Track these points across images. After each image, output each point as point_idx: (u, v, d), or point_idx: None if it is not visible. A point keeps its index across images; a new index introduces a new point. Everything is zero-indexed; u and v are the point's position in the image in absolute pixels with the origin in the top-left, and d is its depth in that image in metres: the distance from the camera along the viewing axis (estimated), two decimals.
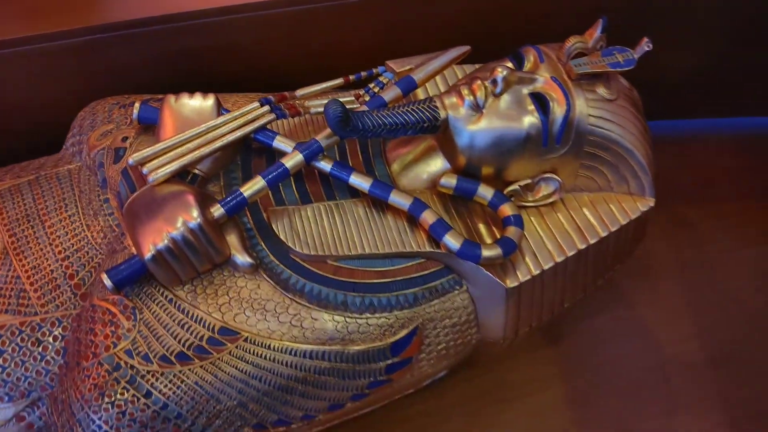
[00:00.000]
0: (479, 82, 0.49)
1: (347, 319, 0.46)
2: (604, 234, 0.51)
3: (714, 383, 0.67)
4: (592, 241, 0.50)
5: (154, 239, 0.42)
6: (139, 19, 0.64)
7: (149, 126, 0.53)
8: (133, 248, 0.44)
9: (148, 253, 0.42)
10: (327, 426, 0.52)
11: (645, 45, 0.49)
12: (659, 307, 0.71)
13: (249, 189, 0.46)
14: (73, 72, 0.64)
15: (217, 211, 0.45)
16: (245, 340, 0.44)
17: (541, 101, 0.49)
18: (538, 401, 0.65)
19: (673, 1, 0.72)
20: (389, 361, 0.48)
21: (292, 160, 0.48)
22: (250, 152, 0.52)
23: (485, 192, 0.50)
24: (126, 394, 0.42)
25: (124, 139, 0.52)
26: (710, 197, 0.82)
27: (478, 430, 0.63)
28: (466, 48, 0.56)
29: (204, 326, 0.44)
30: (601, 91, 0.50)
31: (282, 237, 0.47)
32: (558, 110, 0.48)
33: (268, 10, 0.67)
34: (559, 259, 0.49)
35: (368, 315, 0.47)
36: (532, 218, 0.51)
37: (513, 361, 0.67)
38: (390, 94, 0.52)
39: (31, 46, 0.62)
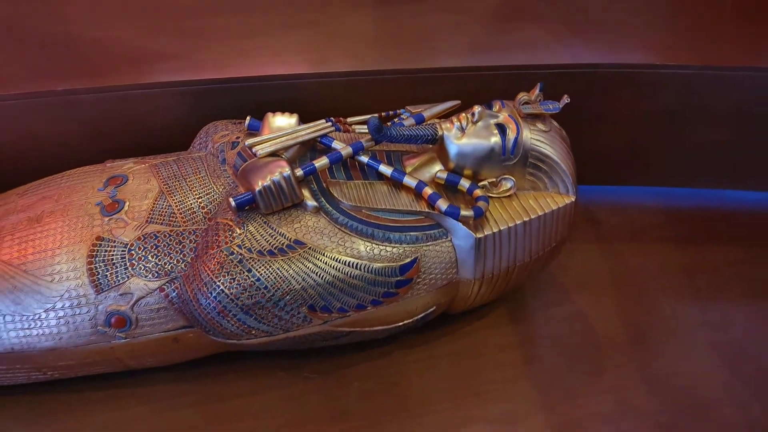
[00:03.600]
0: (464, 114, 0.79)
1: (373, 246, 0.73)
2: (541, 213, 0.78)
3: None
4: (533, 216, 0.78)
5: (262, 180, 0.71)
6: (232, 77, 0.97)
7: (253, 132, 0.83)
8: (243, 190, 0.72)
9: (257, 188, 0.70)
10: (353, 329, 0.76)
11: (565, 99, 0.80)
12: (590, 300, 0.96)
13: (318, 162, 0.75)
14: (192, 107, 0.96)
15: (298, 171, 0.74)
16: (309, 248, 0.71)
17: (501, 128, 0.79)
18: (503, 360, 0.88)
19: (606, 91, 1.05)
20: (398, 278, 0.73)
21: (344, 150, 0.77)
22: (316, 151, 0.81)
23: (465, 182, 0.79)
24: (236, 269, 0.68)
25: (238, 138, 0.83)
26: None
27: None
28: (457, 102, 0.88)
29: (284, 237, 0.71)
30: (539, 125, 0.80)
31: (335, 195, 0.75)
32: (511, 134, 0.78)
33: (325, 79, 1.00)
34: (511, 224, 0.76)
35: (386, 245, 0.73)
36: (495, 203, 0.79)
37: (482, 334, 0.90)
38: (408, 122, 0.83)
39: (171, 89, 0.95)
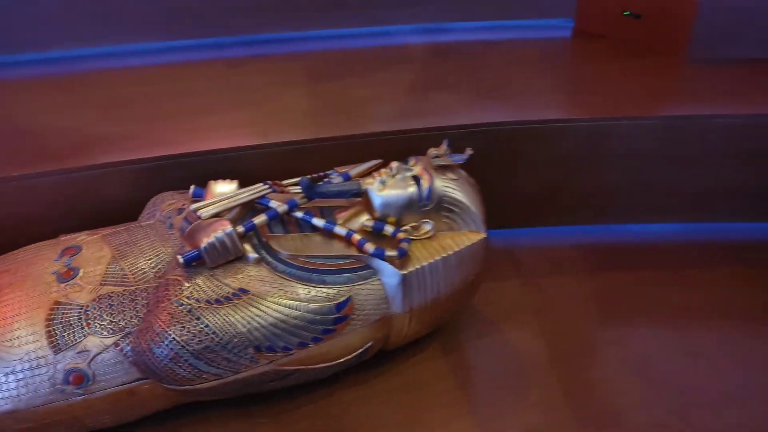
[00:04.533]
0: (384, 170, 0.92)
1: (310, 288, 0.82)
2: (457, 249, 0.89)
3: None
4: (450, 252, 0.89)
5: (207, 238, 0.80)
6: (179, 153, 1.08)
7: (198, 199, 0.92)
8: (190, 248, 0.81)
9: (203, 245, 0.79)
10: (298, 367, 0.83)
11: (468, 151, 0.94)
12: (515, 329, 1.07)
13: (257, 219, 0.85)
14: (143, 183, 1.05)
15: (240, 228, 0.83)
16: (253, 295, 0.79)
17: (416, 179, 0.91)
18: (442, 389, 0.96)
19: (510, 144, 1.20)
20: (335, 315, 0.82)
21: (281, 207, 0.87)
22: (256, 211, 0.91)
23: (389, 228, 0.90)
24: (186, 317, 0.75)
25: (183, 205, 0.92)
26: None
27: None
28: (379, 160, 1.01)
29: (230, 287, 0.79)
30: (449, 174, 0.93)
31: (274, 247, 0.85)
32: (425, 184, 0.91)
33: (265, 150, 1.12)
34: (431, 261, 0.87)
35: (322, 287, 0.82)
36: (417, 244, 0.90)
37: (419, 367, 0.99)
38: (336, 180, 0.94)
39: (122, 168, 1.04)
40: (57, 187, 1.02)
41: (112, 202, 1.02)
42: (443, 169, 0.93)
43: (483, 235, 0.93)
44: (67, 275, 0.81)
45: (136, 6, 1.44)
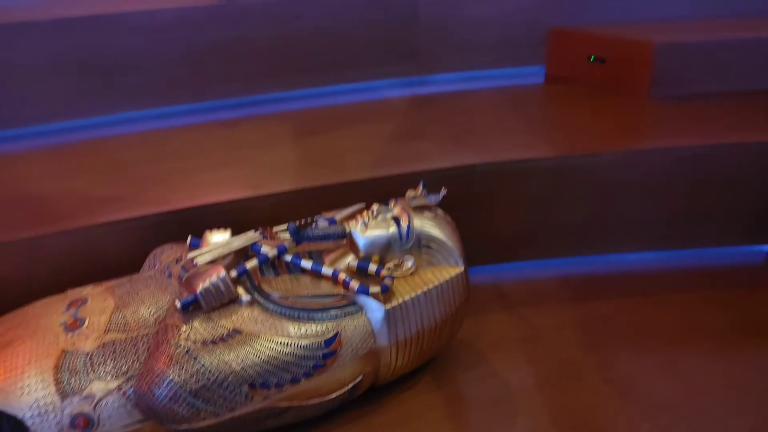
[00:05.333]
0: (365, 213, 0.99)
1: (300, 326, 0.87)
2: (437, 283, 0.95)
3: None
4: (431, 286, 0.95)
5: (203, 283, 0.86)
6: (176, 209, 1.15)
7: (194, 249, 0.99)
8: (187, 294, 0.87)
9: (199, 290, 0.85)
10: (291, 403, 0.87)
11: (443, 191, 1.01)
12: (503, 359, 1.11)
13: (249, 264, 0.91)
14: (143, 238, 1.12)
15: (233, 272, 0.89)
16: (246, 334, 0.85)
17: (396, 220, 0.98)
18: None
19: (484, 184, 1.28)
20: (324, 350, 0.87)
21: (271, 252, 0.94)
22: (248, 256, 0.98)
23: (373, 266, 0.96)
24: (184, 359, 0.81)
25: (181, 255, 0.98)
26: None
27: None
28: (362, 204, 1.08)
29: (224, 328, 0.85)
30: (427, 213, 1.00)
31: (266, 289, 0.91)
32: (404, 223, 0.98)
33: (257, 201, 1.19)
34: (413, 295, 0.93)
35: (311, 323, 0.88)
36: (401, 280, 0.96)
37: (412, 401, 1.02)
38: (322, 225, 1.02)
39: (123, 225, 1.11)
40: (60, 247, 1.08)
41: (115, 257, 1.09)
42: (421, 209, 1.01)
43: (461, 269, 0.99)
44: (74, 325, 0.87)
45: (131, 77, 1.56)
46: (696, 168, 1.31)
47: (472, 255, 1.07)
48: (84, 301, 0.91)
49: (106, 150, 1.41)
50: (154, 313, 0.89)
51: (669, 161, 1.30)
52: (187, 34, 1.58)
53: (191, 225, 1.13)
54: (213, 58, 1.62)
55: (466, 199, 1.27)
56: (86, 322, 0.87)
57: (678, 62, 1.56)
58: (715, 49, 1.56)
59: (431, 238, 0.99)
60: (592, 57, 1.75)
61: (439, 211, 1.03)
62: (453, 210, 1.14)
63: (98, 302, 0.91)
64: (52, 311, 0.90)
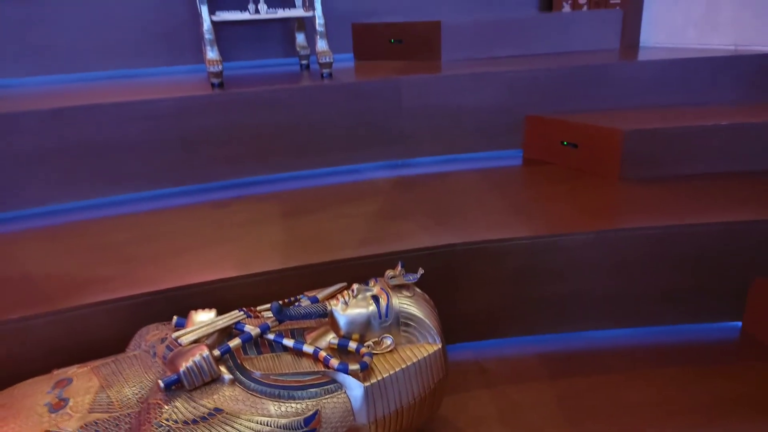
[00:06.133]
0: (346, 292, 1.03)
1: (280, 404, 0.89)
2: (415, 360, 0.98)
3: None
4: (409, 363, 0.98)
5: (185, 362, 0.88)
6: (162, 289, 1.19)
7: (180, 328, 1.02)
8: (171, 373, 0.89)
9: (181, 369, 0.88)
10: None
11: (420, 271, 1.06)
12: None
13: (232, 342, 0.94)
14: (130, 317, 1.15)
15: (216, 351, 0.92)
16: (227, 414, 0.86)
17: (375, 298, 1.02)
18: None
19: (464, 263, 1.33)
20: (303, 429, 0.89)
21: (254, 331, 0.97)
22: (232, 335, 1.01)
23: (353, 344, 0.99)
24: None
25: (166, 335, 1.01)
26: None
27: None
28: (344, 284, 1.12)
29: (205, 407, 0.86)
30: (405, 292, 1.05)
31: (247, 367, 0.93)
32: (383, 302, 1.02)
33: (243, 280, 1.23)
34: (392, 372, 0.96)
35: (291, 402, 0.90)
36: (380, 358, 0.99)
37: None
38: (305, 303, 1.05)
39: (111, 305, 1.14)
40: (49, 327, 1.11)
41: (101, 337, 1.11)
42: (399, 287, 1.05)
43: (439, 346, 1.02)
44: (58, 406, 0.88)
45: (127, 161, 1.63)
46: (668, 246, 1.37)
47: (452, 332, 1.10)
48: (69, 381, 0.93)
49: (100, 231, 1.46)
50: (137, 393, 0.91)
51: (641, 240, 1.37)
52: (181, 121, 1.67)
53: (179, 304, 1.17)
54: (205, 143, 1.71)
55: (446, 278, 1.32)
56: (70, 402, 0.89)
57: (646, 147, 1.67)
58: (680, 134, 1.67)
59: (409, 317, 1.02)
60: (564, 142, 1.86)
61: (417, 290, 1.08)
62: (433, 288, 1.19)
63: (83, 382, 0.93)
64: (37, 391, 0.92)
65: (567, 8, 2.61)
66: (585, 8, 2.56)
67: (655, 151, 1.69)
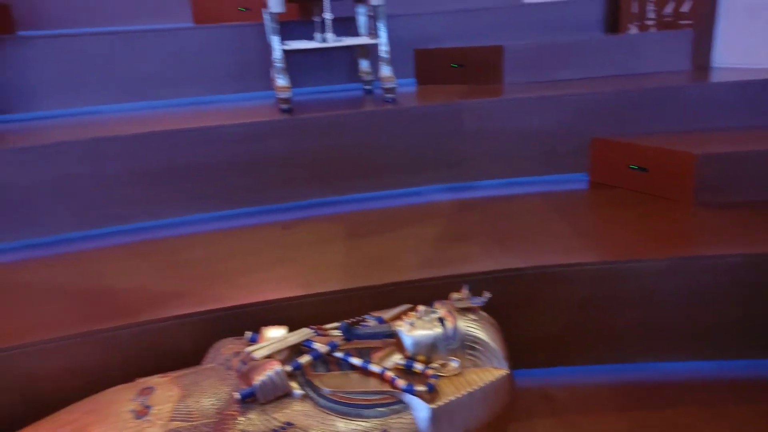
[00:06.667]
0: (412, 313, 1.05)
1: (349, 422, 0.91)
2: (482, 385, 0.98)
3: None
4: (476, 388, 0.97)
5: (259, 376, 0.92)
6: (235, 305, 1.24)
7: (252, 344, 1.06)
8: (245, 386, 0.93)
9: (256, 382, 0.91)
10: None
11: (486, 294, 1.06)
12: None
13: (303, 359, 0.97)
14: (204, 332, 1.20)
15: (288, 367, 0.95)
16: (298, 428, 0.89)
17: (441, 321, 1.03)
18: None
19: (530, 288, 1.32)
20: None
21: (323, 349, 1.00)
22: (302, 352, 1.04)
23: (419, 366, 1.00)
24: None
25: (240, 349, 1.05)
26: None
27: None
28: (409, 305, 1.14)
29: (277, 421, 0.89)
30: (471, 315, 1.05)
31: (317, 384, 0.96)
32: (449, 325, 1.03)
33: (309, 299, 1.27)
34: (458, 395, 0.96)
35: (360, 420, 0.91)
36: (446, 380, 0.99)
37: None
38: (371, 324, 1.07)
39: (190, 319, 1.20)
40: (132, 338, 1.18)
41: (179, 348, 1.17)
42: (465, 311, 1.05)
43: (506, 371, 1.01)
44: (142, 413, 0.93)
45: (199, 183, 1.72)
46: (747, 276, 1.31)
47: (517, 358, 1.09)
48: (152, 390, 0.98)
49: (176, 249, 1.54)
50: (214, 404, 0.95)
51: (718, 268, 1.31)
52: (252, 145, 1.75)
53: (249, 320, 1.21)
54: (274, 166, 1.77)
55: (510, 302, 1.31)
56: (153, 409, 0.94)
57: (720, 171, 1.61)
58: (756, 158, 1.61)
59: (475, 340, 1.02)
60: (633, 166, 1.82)
61: (483, 314, 1.08)
62: (498, 312, 1.18)
63: (164, 391, 0.98)
64: (122, 398, 0.97)
65: (634, 29, 2.57)
66: (653, 29, 2.51)
67: (730, 175, 1.62)
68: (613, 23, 2.64)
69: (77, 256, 1.53)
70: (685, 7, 2.37)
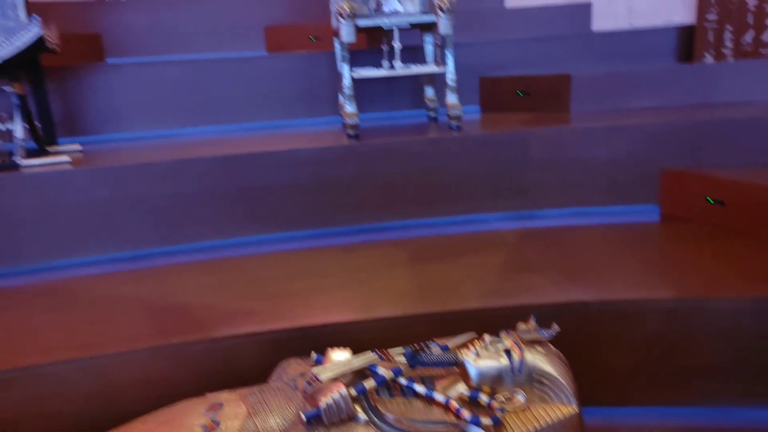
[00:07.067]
0: (477, 342, 1.04)
1: None
2: (549, 422, 0.96)
3: None
4: (543, 424, 0.95)
5: (325, 398, 0.93)
6: (302, 326, 1.27)
7: (318, 365, 1.08)
8: (310, 407, 0.95)
9: (322, 404, 0.93)
10: None
11: (555, 327, 1.04)
12: None
13: (367, 384, 0.98)
14: (275, 349, 1.23)
15: (352, 390, 0.96)
16: None
17: (508, 352, 1.02)
18: None
19: (598, 323, 1.28)
20: None
21: (387, 374, 1.01)
22: (366, 376, 1.05)
23: (485, 397, 0.99)
24: None
25: (306, 370, 1.08)
26: None
27: None
28: (473, 333, 1.13)
29: None
30: (539, 348, 1.03)
31: (381, 410, 0.96)
32: (516, 356, 1.01)
33: (373, 323, 1.28)
34: (525, 431, 0.94)
35: None
36: (512, 414, 0.98)
37: None
38: (435, 351, 1.07)
39: (256, 337, 1.24)
40: (203, 353, 1.22)
41: (247, 365, 1.21)
42: (533, 343, 1.04)
43: (575, 410, 0.99)
44: (211, 427, 0.97)
45: (271, 204, 1.78)
46: None
47: (584, 395, 1.06)
48: (221, 406, 1.02)
49: (247, 267, 1.60)
50: (280, 424, 0.97)
51: None
52: (321, 169, 1.80)
53: (315, 341, 1.24)
54: (340, 190, 1.82)
55: (577, 337, 1.27)
56: (222, 425, 0.97)
57: None
58: None
59: (543, 374, 1.00)
60: (710, 199, 1.74)
61: (552, 348, 1.05)
62: (564, 346, 1.15)
63: (233, 408, 1.01)
64: (194, 412, 1.01)
65: (709, 59, 2.49)
66: (730, 58, 2.42)
67: None
68: (687, 52, 2.57)
69: (156, 271, 1.61)
70: (767, 36, 2.28)
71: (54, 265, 1.67)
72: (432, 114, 2.34)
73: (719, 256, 1.47)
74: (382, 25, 1.98)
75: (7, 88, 1.78)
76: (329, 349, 1.09)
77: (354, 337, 1.25)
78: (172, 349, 1.22)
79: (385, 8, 2.14)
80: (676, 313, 1.27)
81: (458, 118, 2.00)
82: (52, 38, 1.82)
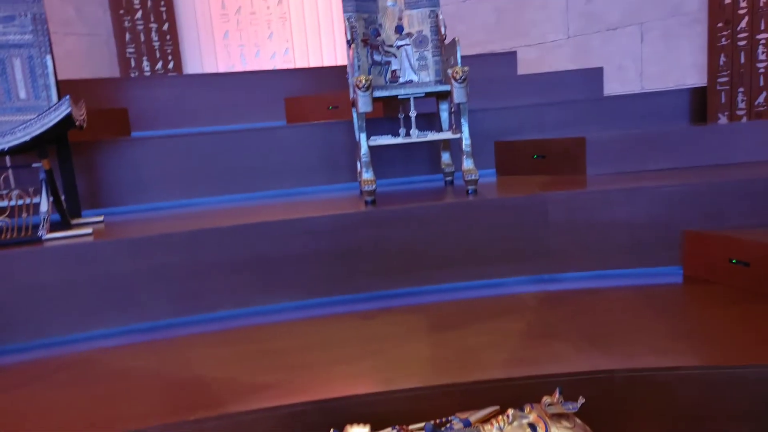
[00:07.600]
0: (500, 417, 1.00)
1: None
2: None
3: None
4: None
5: None
6: (320, 399, 1.23)
7: None
8: None
9: None
10: None
11: (581, 400, 1.00)
12: None
13: None
14: (291, 423, 1.20)
15: None
16: None
17: (533, 427, 0.98)
18: None
19: (625, 392, 1.23)
20: None
21: None
22: None
23: None
24: None
25: None
26: None
27: None
28: (496, 407, 1.09)
29: None
30: (564, 422, 0.99)
31: None
32: (541, 431, 0.97)
33: (391, 395, 1.25)
34: None
35: None
36: None
37: None
38: (457, 426, 1.03)
39: (274, 413, 1.21)
40: (220, 429, 1.19)
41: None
42: (558, 416, 1.00)
43: None
44: None
45: (287, 272, 1.78)
46: None
47: None
48: None
49: (261, 338, 1.58)
50: None
51: None
52: (337, 236, 1.81)
53: (332, 414, 1.20)
54: (357, 256, 1.82)
55: (603, 407, 1.22)
56: None
57: None
58: None
59: None
60: (734, 260, 1.71)
61: (578, 421, 1.01)
62: (590, 418, 1.11)
63: None
64: None
65: (723, 120, 2.50)
66: (744, 119, 2.43)
67: None
68: (701, 114, 2.59)
69: (173, 342, 1.60)
70: None
71: (74, 338, 1.68)
72: (449, 178, 2.37)
73: (747, 320, 1.42)
74: (397, 95, 2.04)
75: (36, 164, 1.85)
76: (348, 426, 1.06)
77: (373, 410, 1.22)
78: (188, 426, 1.20)
79: (401, 79, 2.21)
80: (708, 381, 1.21)
81: (474, 182, 2.02)
82: (79, 115, 1.90)
